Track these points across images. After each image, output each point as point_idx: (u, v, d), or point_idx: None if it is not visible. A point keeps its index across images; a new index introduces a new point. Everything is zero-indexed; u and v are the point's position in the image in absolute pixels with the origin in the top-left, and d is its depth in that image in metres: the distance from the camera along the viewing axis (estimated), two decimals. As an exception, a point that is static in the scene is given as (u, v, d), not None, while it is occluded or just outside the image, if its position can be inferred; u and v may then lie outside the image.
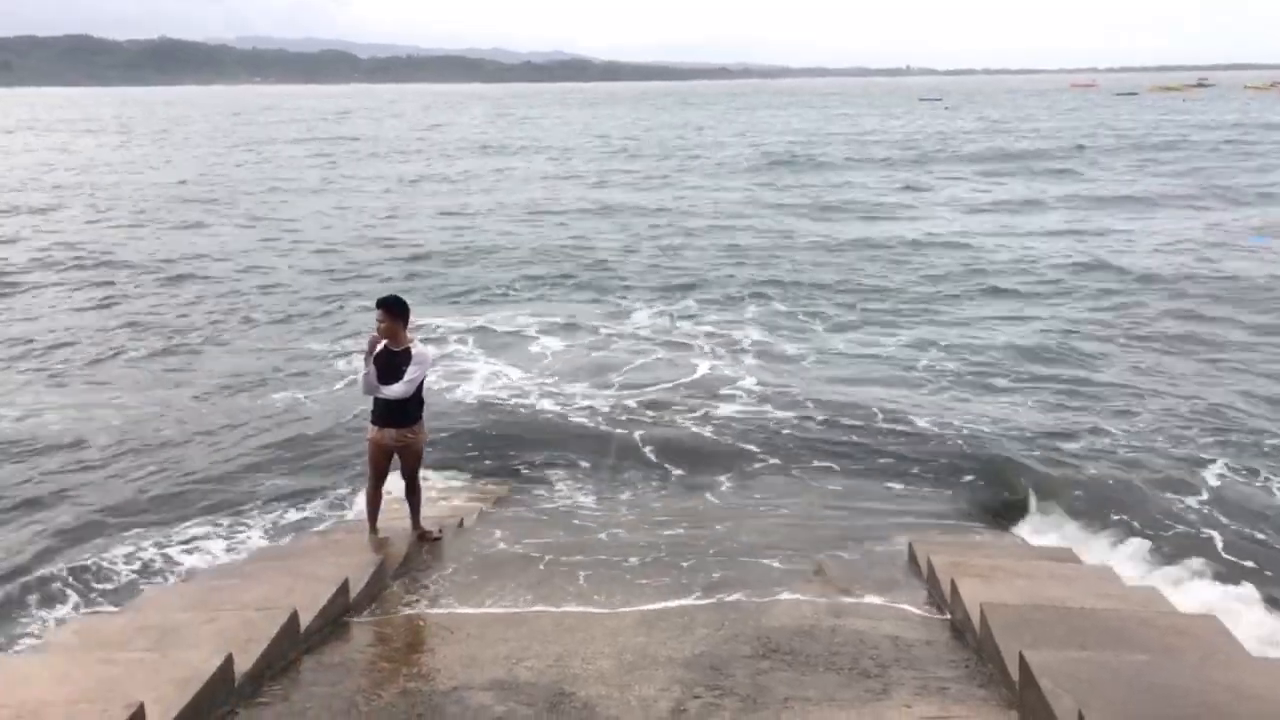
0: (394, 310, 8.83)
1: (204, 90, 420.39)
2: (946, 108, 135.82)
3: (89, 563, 10.86)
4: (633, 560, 9.40)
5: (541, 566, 9.13)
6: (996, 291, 24.61)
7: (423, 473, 9.84)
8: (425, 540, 9.51)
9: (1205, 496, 12.14)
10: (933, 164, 59.05)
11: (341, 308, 23.74)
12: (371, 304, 9.19)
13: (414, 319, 9.48)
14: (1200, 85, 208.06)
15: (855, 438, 14.26)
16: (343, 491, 12.86)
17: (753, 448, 13.97)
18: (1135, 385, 16.51)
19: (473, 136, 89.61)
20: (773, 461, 13.56)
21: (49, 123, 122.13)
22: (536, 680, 6.28)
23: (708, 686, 6.18)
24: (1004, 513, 12.07)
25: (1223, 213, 36.59)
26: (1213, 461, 13.10)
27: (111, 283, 26.67)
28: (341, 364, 18.75)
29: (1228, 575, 10.25)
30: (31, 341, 20.49)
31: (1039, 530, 11.56)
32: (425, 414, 9.37)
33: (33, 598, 10.12)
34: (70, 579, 10.48)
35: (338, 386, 17.40)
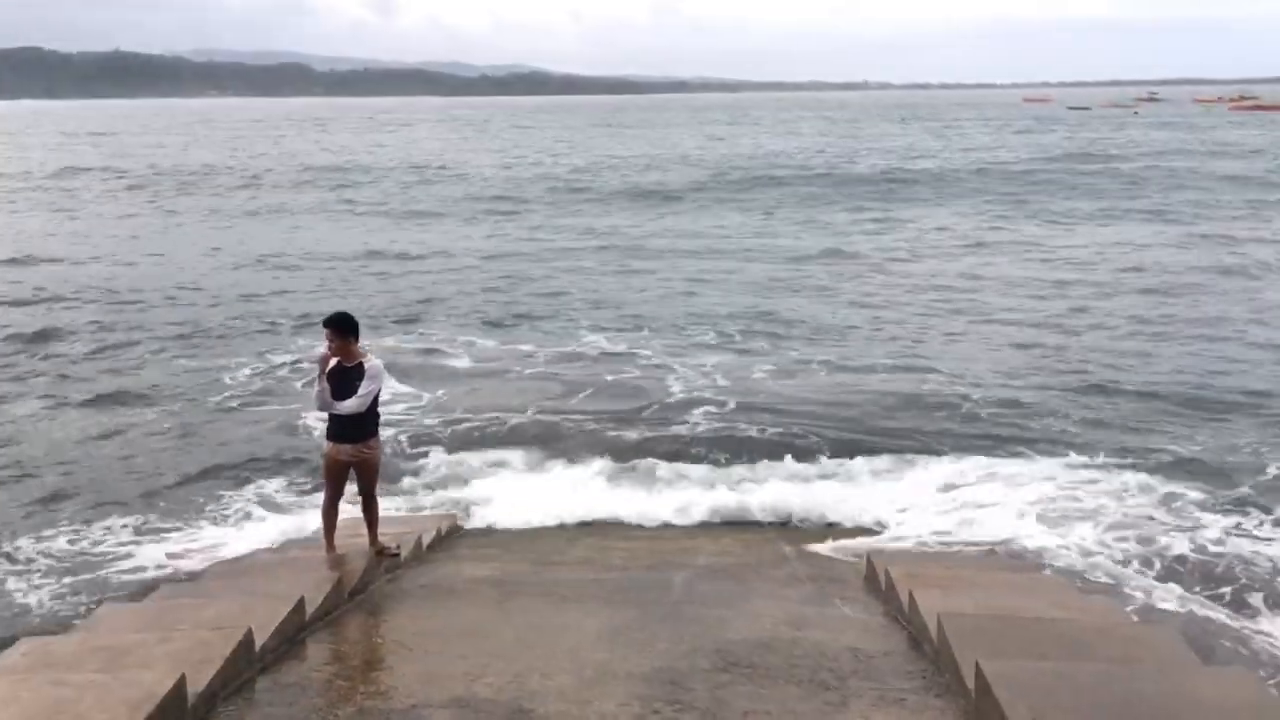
0: (341, 328, 8.73)
1: (162, 104, 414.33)
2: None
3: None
4: (592, 576, 9.38)
5: (501, 583, 9.10)
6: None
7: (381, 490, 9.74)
8: (383, 556, 9.42)
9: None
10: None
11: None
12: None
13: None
14: (1150, 99, 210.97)
15: (816, 452, 14.33)
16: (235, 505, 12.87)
17: (711, 463, 14.01)
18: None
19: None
20: (731, 476, 13.57)
21: None
22: (496, 697, 6.23)
23: (667, 701, 6.16)
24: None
25: None
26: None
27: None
28: (227, 378, 18.73)
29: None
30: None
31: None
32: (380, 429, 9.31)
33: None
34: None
35: (216, 398, 17.52)
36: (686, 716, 5.95)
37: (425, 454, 14.55)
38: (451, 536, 11.45)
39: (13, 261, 32.49)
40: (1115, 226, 38.13)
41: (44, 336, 22.38)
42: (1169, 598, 10.00)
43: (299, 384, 17.88)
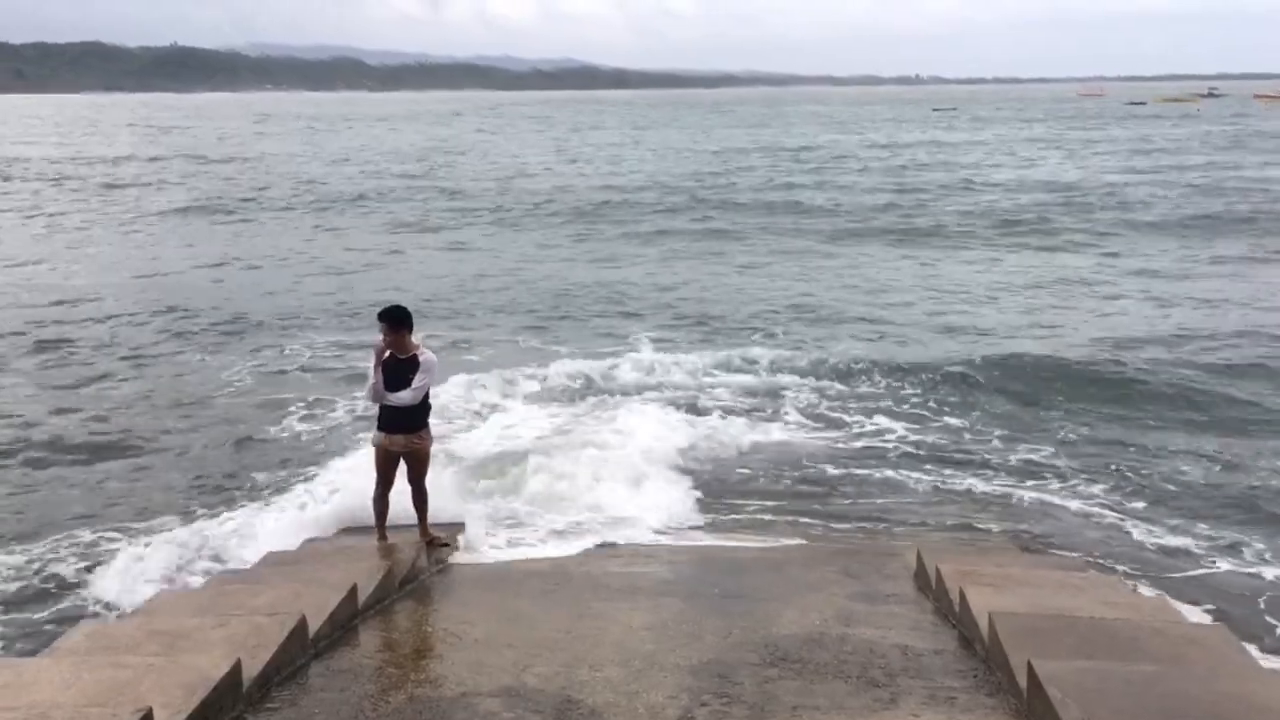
0: (395, 321, 8.85)
1: (223, 98, 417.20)
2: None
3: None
4: (640, 569, 9.39)
5: (549, 574, 9.14)
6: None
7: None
8: (434, 546, 9.51)
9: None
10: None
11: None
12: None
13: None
14: (1210, 95, 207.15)
15: (866, 446, 14.26)
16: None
17: (761, 459, 13.93)
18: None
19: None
20: (779, 473, 13.50)
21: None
22: (544, 687, 6.28)
23: (715, 694, 6.17)
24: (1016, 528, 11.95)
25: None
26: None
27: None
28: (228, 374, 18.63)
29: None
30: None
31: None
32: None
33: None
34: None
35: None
36: (735, 710, 5.96)
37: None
38: (500, 527, 11.49)
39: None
40: None
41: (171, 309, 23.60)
42: (1223, 597, 9.87)
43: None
